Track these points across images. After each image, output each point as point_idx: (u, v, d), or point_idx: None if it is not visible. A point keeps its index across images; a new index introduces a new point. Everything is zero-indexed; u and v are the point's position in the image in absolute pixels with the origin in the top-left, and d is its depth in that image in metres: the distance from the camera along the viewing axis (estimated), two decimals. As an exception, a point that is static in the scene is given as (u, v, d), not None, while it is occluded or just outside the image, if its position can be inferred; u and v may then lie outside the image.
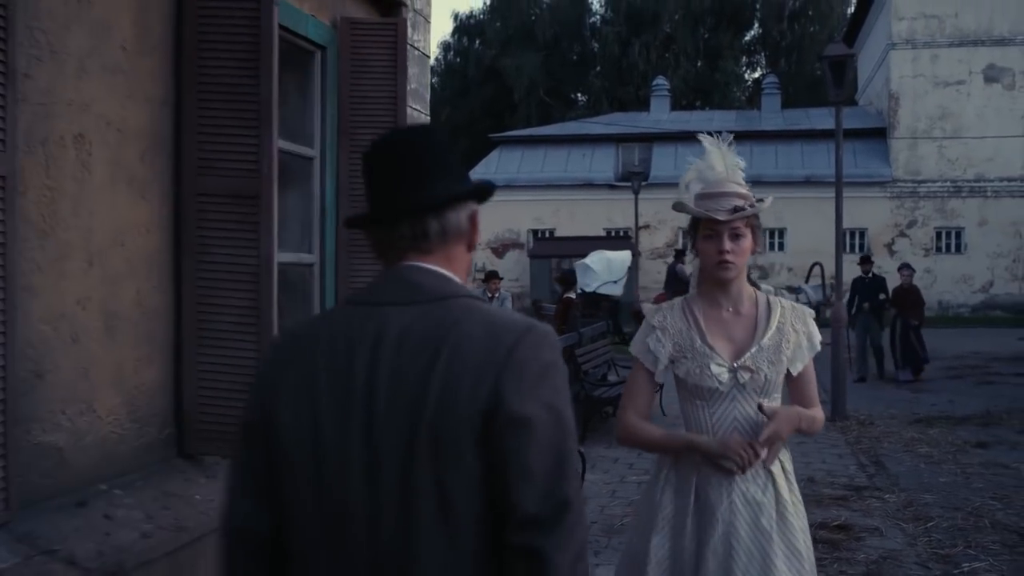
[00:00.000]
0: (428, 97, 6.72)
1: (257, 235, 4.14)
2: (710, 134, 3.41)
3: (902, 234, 36.92)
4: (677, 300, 3.32)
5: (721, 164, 3.30)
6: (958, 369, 18.52)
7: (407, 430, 1.77)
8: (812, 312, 3.31)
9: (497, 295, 15.14)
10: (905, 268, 18.37)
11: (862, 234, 36.65)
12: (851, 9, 48.67)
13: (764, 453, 3.03)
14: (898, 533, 6.83)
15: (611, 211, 36.31)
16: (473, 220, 2.00)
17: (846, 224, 34.25)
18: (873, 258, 19.66)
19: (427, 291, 1.89)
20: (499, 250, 39.28)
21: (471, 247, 2.02)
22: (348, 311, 1.95)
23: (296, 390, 1.86)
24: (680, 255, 21.99)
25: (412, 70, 5.98)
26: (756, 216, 3.20)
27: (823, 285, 21.84)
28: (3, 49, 3.06)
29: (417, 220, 1.93)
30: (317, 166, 5.49)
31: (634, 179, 31.84)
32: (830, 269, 17.03)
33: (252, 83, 4.14)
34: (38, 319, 3.36)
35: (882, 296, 17.78)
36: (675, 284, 20.08)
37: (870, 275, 18.31)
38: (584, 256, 25.55)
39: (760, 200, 3.22)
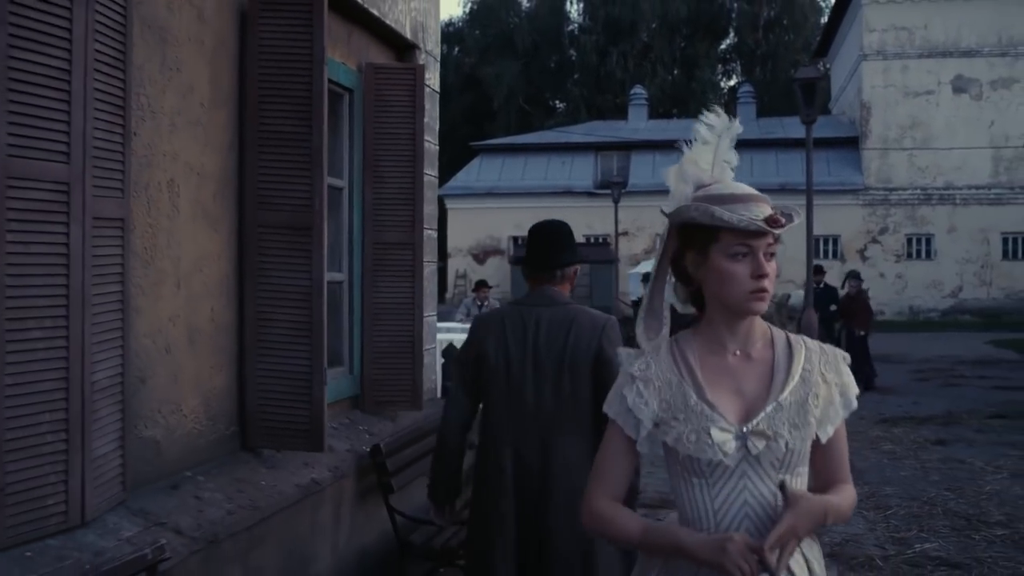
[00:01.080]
0: (437, 128, 7.46)
1: (310, 260, 4.87)
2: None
3: (874, 240, 37.90)
4: (664, 343, 2.52)
5: (708, 160, 2.48)
6: (925, 372, 19.33)
7: (556, 363, 3.97)
8: (846, 356, 2.52)
9: (487, 302, 15.86)
10: (852, 278, 18.35)
11: (835, 240, 37.62)
12: (825, 19, 49.69)
13: (774, 560, 2.22)
14: (860, 520, 7.58)
15: (590, 218, 37.08)
16: (574, 271, 4.22)
17: (820, 231, 35.38)
18: (825, 268, 19.57)
19: (558, 300, 4.10)
20: (480, 256, 40.06)
21: (572, 283, 4.21)
22: (517, 308, 4.16)
23: (496, 340, 4.05)
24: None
25: (427, 106, 6.71)
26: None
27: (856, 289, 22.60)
28: (123, 115, 3.78)
29: (555, 270, 4.14)
30: (346, 195, 6.21)
31: (614, 187, 32.63)
32: (801, 276, 17.61)
33: (305, 131, 4.87)
34: (142, 334, 4.07)
35: (832, 307, 17.84)
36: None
37: (821, 285, 18.25)
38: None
39: (789, 215, 2.39)
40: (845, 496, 2.45)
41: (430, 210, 6.91)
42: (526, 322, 4.03)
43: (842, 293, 18.50)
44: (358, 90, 6.23)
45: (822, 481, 2.47)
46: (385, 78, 6.32)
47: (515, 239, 38.56)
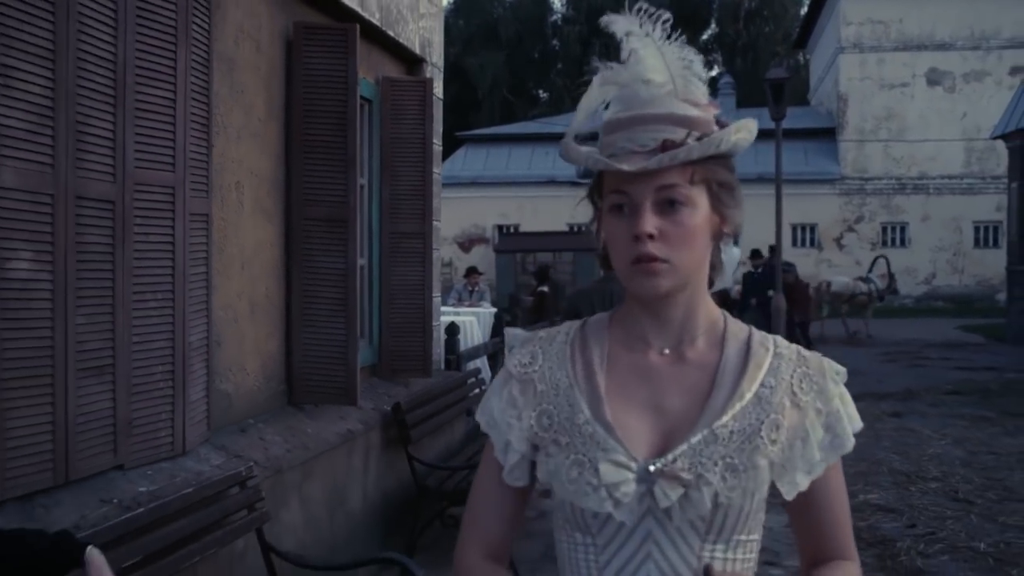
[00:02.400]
0: (442, 130, 8.44)
1: (345, 248, 5.86)
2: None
3: (850, 229, 38.91)
4: (564, 327, 1.78)
5: (661, 68, 1.62)
6: (893, 354, 20.40)
7: None
8: (842, 372, 1.69)
9: (477, 288, 16.87)
10: (786, 266, 18.28)
11: (812, 229, 38.64)
12: (804, 11, 50.72)
13: None
14: (814, 477, 8.60)
15: (574, 207, 37.87)
16: None
17: (797, 219, 36.51)
18: (763, 253, 19.58)
19: None
20: (465, 245, 40.95)
21: None
22: (600, 284, 5.56)
23: (590, 310, 5.60)
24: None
25: (434, 114, 7.69)
26: (721, 163, 1.62)
27: (889, 275, 23.74)
28: (207, 131, 4.75)
29: None
30: (367, 191, 7.19)
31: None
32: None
33: (341, 139, 5.85)
34: (218, 306, 5.04)
35: (770, 293, 17.91)
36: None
37: (759, 270, 18.34)
38: (540, 251, 27.20)
39: (721, 124, 1.62)
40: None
41: (437, 203, 7.89)
42: (613, 294, 5.21)
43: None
44: (376, 100, 7.20)
45: (808, 556, 1.73)
46: (400, 90, 7.29)
47: (500, 228, 39.50)
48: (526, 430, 1.66)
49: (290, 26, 5.85)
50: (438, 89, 8.18)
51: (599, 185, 1.67)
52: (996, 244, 36.73)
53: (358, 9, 6.46)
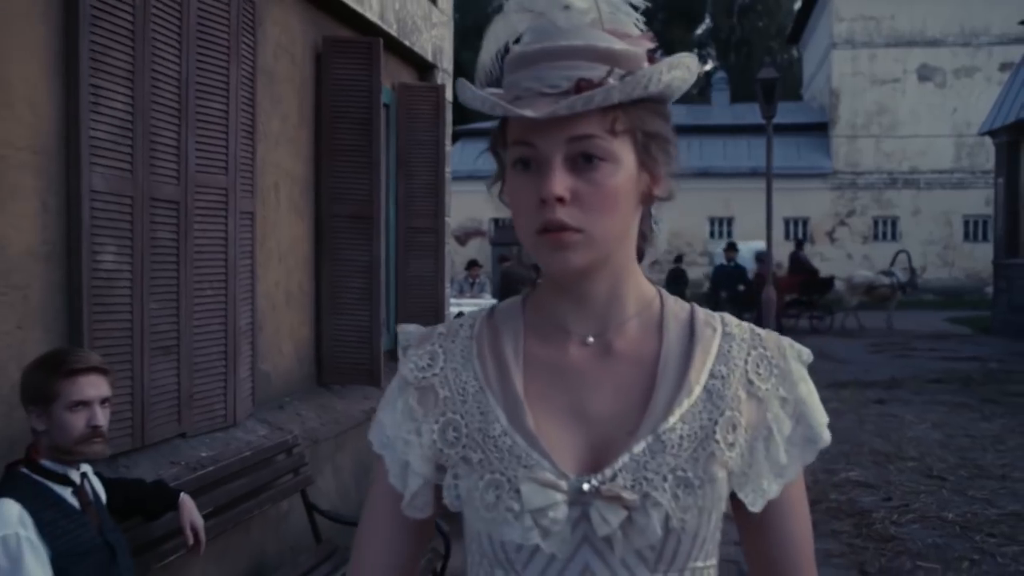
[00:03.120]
0: (451, 131, 9.01)
1: (370, 242, 6.44)
2: None
3: (842, 223, 39.44)
4: (467, 319, 1.45)
5: None
6: (881, 345, 20.95)
7: None
8: (805, 353, 1.41)
9: (477, 280, 17.47)
10: (760, 258, 18.67)
11: (805, 223, 39.17)
12: (798, 5, 51.28)
13: None
14: (800, 457, 9.19)
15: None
16: None
17: (789, 213, 37.00)
18: (739, 245, 20.03)
19: None
20: (462, 238, 41.40)
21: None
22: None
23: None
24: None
25: (447, 117, 8.26)
26: (652, 109, 1.32)
27: (910, 270, 24.52)
28: (252, 138, 5.31)
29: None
30: (384, 189, 7.75)
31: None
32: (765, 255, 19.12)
33: (366, 143, 6.43)
34: (259, 295, 5.61)
35: (741, 287, 18.10)
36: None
37: (732, 263, 18.55)
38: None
39: (654, 51, 1.35)
40: None
41: (448, 200, 8.46)
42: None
43: (752, 271, 19.13)
44: (393, 105, 7.77)
45: None
46: (414, 95, 7.87)
47: (496, 221, 40.01)
48: (428, 447, 1.34)
49: (319, 40, 6.42)
50: (448, 93, 8.75)
51: (503, 134, 1.36)
52: (985, 238, 37.22)
53: (379, 22, 7.03)
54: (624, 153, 1.28)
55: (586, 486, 1.25)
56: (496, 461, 1.29)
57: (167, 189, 4.49)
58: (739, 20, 57.69)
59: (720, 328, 1.39)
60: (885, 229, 39.32)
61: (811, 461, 1.37)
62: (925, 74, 38.97)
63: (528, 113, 1.23)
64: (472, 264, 17.91)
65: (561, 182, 1.25)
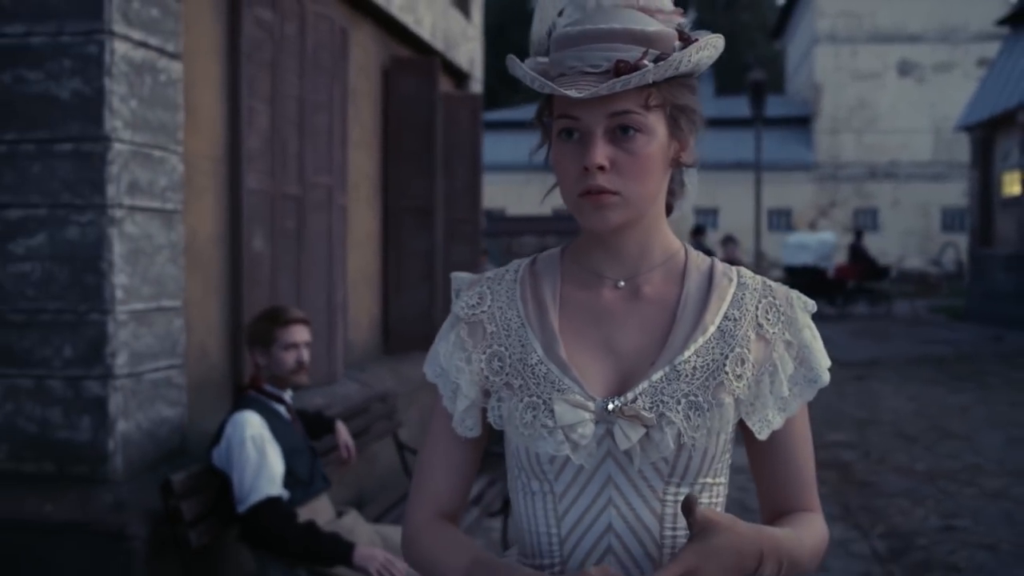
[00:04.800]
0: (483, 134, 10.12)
1: (430, 232, 7.57)
2: None
3: (823, 214, 40.46)
4: (512, 265, 1.66)
5: None
6: (861, 331, 22.16)
7: None
8: (810, 304, 1.61)
9: (482, 268, 18.61)
10: (728, 242, 18.63)
11: (788, 214, 40.20)
12: (781, 0, 52.33)
13: None
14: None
15: (556, 192, 39.35)
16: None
17: (773, 204, 38.00)
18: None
19: (703, 245, 8.47)
20: (454, 226, 42.53)
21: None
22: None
23: None
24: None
25: (481, 121, 9.39)
26: (682, 83, 1.52)
27: (957, 262, 25.96)
28: (344, 144, 6.41)
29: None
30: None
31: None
32: (750, 245, 19.99)
33: (426, 148, 7.55)
34: (348, 275, 6.73)
35: None
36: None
37: (700, 247, 19.02)
38: (526, 234, 28.79)
39: (684, 37, 1.52)
40: (806, 530, 1.57)
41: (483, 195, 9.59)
42: None
43: (720, 256, 20.16)
44: (439, 112, 8.88)
45: (769, 508, 1.65)
46: (455, 103, 8.98)
47: (487, 212, 40.94)
48: (476, 374, 1.55)
49: (386, 58, 7.53)
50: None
51: (549, 106, 1.55)
52: (963, 229, 38.40)
53: (431, 40, 8.15)
54: (657, 125, 1.48)
55: (610, 406, 1.46)
56: (534, 386, 1.50)
57: (292, 188, 5.60)
58: (724, 13, 58.68)
59: (736, 279, 1.59)
60: (866, 220, 40.18)
61: (811, 399, 1.59)
62: (905, 69, 39.90)
63: (572, 94, 1.42)
64: (480, 252, 19.02)
65: (602, 152, 1.45)
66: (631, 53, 1.44)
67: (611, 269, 1.57)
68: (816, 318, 1.63)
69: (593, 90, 1.41)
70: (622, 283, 1.56)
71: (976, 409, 11.13)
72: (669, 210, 1.63)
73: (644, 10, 1.51)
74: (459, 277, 1.64)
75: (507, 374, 1.53)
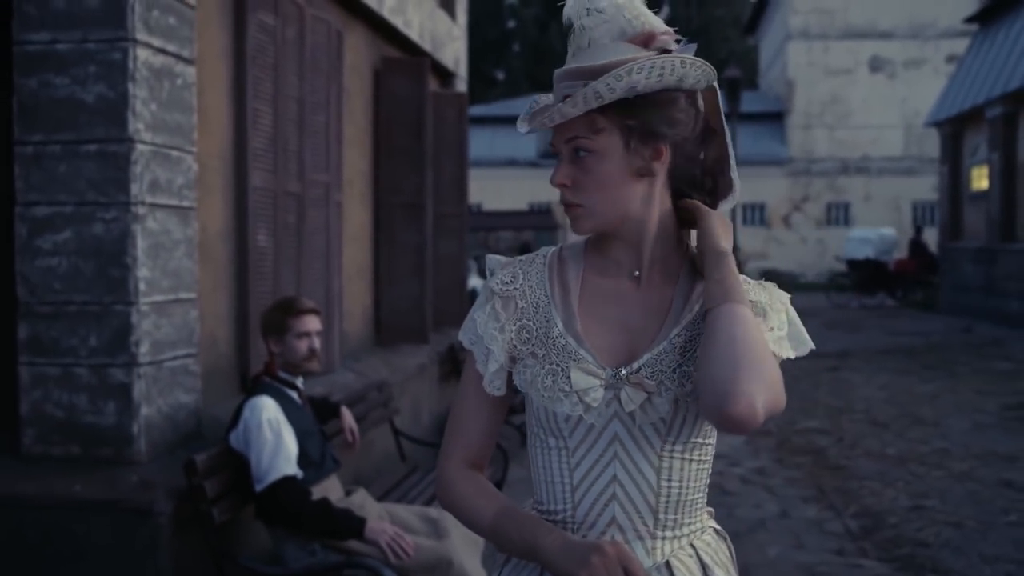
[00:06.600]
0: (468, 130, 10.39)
1: (420, 226, 7.83)
2: None
3: (797, 208, 40.80)
4: (542, 251, 1.88)
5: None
6: (834, 323, 22.54)
7: None
8: (784, 296, 1.83)
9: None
10: None
11: (762, 208, 40.51)
12: (754, -3, 52.72)
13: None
14: (765, 412, 10.68)
15: (534, 187, 39.21)
16: None
17: (747, 199, 38.32)
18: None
19: None
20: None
21: None
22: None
23: None
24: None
25: (467, 118, 9.65)
26: (641, 103, 1.66)
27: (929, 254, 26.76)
28: (340, 143, 6.66)
29: None
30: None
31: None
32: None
33: (416, 145, 7.80)
34: (343, 267, 6.98)
35: None
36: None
37: None
38: (503, 229, 28.99)
39: (669, 52, 1.69)
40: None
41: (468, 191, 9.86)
42: None
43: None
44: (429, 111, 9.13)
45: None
46: (442, 102, 9.24)
47: (469, 207, 41.03)
48: (507, 342, 1.79)
49: (377, 59, 7.78)
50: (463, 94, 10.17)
51: None
52: (934, 222, 38.85)
53: (419, 41, 8.40)
54: (608, 144, 1.68)
55: (622, 373, 1.72)
56: (554, 356, 1.75)
57: (292, 184, 5.85)
58: (697, 9, 58.97)
59: None
60: (838, 214, 40.58)
61: (793, 355, 1.79)
62: (876, 65, 40.20)
63: (519, 127, 1.75)
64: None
65: (563, 172, 1.72)
66: (573, 89, 1.64)
67: (626, 260, 1.78)
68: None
69: (525, 125, 1.74)
70: (636, 272, 1.78)
71: (945, 397, 11.49)
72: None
73: (634, 41, 1.68)
74: (493, 259, 1.86)
75: (533, 344, 1.77)
